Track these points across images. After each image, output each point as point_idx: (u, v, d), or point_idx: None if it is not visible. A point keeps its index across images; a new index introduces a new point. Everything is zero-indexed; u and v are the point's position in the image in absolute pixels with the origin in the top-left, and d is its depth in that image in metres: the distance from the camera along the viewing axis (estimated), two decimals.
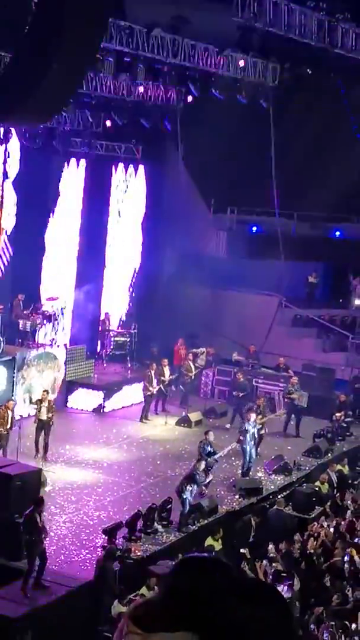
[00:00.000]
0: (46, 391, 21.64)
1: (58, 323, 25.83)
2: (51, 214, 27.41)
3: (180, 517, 17.82)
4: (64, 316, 26.73)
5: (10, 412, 20.17)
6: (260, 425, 21.89)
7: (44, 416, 20.66)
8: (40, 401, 21.05)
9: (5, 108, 19.17)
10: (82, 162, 28.38)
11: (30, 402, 22.15)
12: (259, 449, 22.06)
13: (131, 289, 30.88)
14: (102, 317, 29.25)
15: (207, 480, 19.51)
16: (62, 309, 26.69)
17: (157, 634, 1.79)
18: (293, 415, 24.94)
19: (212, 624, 1.78)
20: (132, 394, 26.11)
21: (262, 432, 22.22)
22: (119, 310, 30.45)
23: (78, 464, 20.96)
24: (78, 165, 28.32)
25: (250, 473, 21.33)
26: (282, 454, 22.57)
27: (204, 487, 19.44)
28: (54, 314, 25.56)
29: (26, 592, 14.56)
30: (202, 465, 18.59)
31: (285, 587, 15.34)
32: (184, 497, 17.78)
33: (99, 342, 28.62)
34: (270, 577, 15.85)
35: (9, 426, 19.99)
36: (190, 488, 17.88)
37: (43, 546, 14.96)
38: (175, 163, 30.85)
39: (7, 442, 19.93)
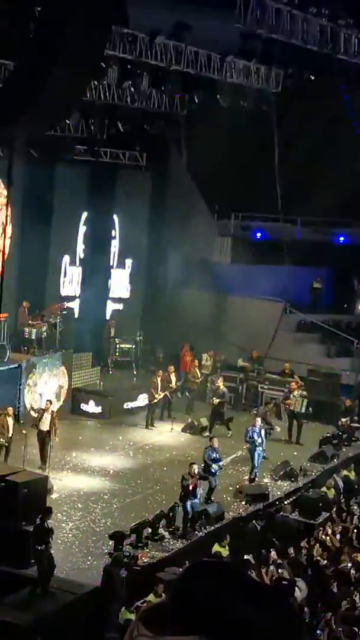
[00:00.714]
0: (49, 401, 21.48)
1: (63, 330, 25.77)
2: (55, 221, 27.40)
3: (182, 523, 17.84)
4: (69, 323, 26.68)
5: (10, 419, 20.09)
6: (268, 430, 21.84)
7: (45, 427, 20.38)
8: (43, 411, 20.90)
9: (9, 116, 19.23)
10: (87, 169, 28.40)
11: (32, 409, 22.11)
12: (265, 453, 21.98)
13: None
14: (107, 324, 29.26)
15: (214, 484, 19.52)
16: (66, 315, 26.66)
17: (167, 637, 1.81)
18: (295, 421, 24.89)
19: (222, 628, 1.80)
20: (137, 401, 26.13)
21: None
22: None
23: (84, 471, 20.96)
24: (82, 172, 28.34)
25: (257, 479, 21.33)
26: (288, 459, 22.54)
27: (215, 480, 19.42)
28: (60, 321, 25.54)
29: (34, 599, 14.57)
30: (194, 468, 18.41)
31: None
32: (183, 503, 17.81)
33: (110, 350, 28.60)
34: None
35: (10, 434, 19.93)
36: (186, 493, 17.87)
37: (50, 554, 14.98)
38: (179, 169, 30.91)
39: (9, 449, 19.87)
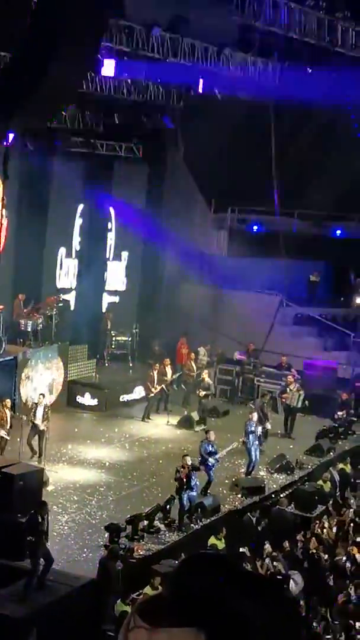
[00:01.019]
0: (42, 395, 21.40)
1: (59, 322, 25.73)
2: (51, 213, 27.33)
3: (178, 516, 17.84)
4: (65, 315, 26.64)
5: (8, 412, 20.03)
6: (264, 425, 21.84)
7: (38, 421, 20.29)
8: (36, 405, 20.81)
9: (5, 110, 19.13)
10: (83, 161, 28.33)
11: (25, 404, 22.04)
12: (261, 446, 21.98)
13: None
14: (103, 316, 29.23)
15: (211, 478, 19.52)
16: (62, 307, 26.61)
17: (164, 629, 1.79)
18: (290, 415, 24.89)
19: (218, 620, 1.79)
20: (133, 394, 26.13)
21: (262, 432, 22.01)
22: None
23: (80, 463, 20.96)
24: (79, 164, 28.26)
25: (253, 472, 21.33)
26: (284, 453, 22.56)
27: (211, 474, 19.40)
28: (55, 314, 25.51)
29: (29, 591, 14.57)
30: (187, 460, 18.37)
31: None
32: (179, 495, 17.82)
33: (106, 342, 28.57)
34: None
35: (8, 426, 19.89)
36: (180, 485, 17.86)
37: (46, 547, 14.97)
38: (176, 162, 30.85)
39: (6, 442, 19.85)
